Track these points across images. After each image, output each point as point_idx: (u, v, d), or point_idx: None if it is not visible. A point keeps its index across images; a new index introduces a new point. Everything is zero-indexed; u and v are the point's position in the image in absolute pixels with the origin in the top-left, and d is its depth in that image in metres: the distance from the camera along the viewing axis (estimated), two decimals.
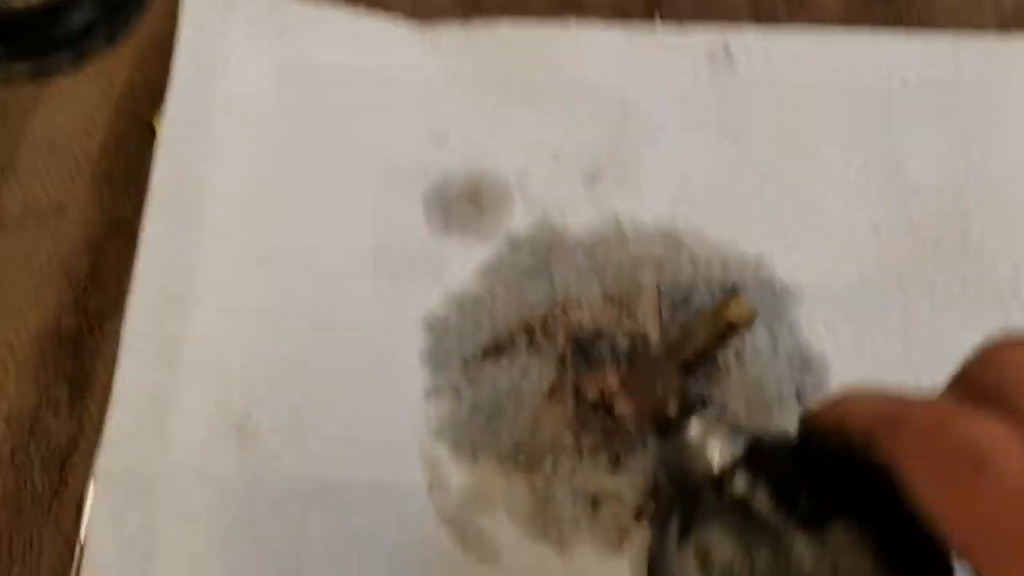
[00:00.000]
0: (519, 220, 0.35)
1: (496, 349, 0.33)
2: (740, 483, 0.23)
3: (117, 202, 0.36)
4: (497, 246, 0.35)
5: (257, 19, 0.38)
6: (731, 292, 0.24)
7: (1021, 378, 0.18)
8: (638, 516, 0.31)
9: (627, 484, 0.31)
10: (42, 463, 0.32)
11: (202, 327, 0.33)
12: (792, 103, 0.38)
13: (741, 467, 0.24)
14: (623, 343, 0.33)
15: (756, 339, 0.33)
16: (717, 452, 0.24)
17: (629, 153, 0.36)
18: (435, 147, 0.37)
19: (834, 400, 0.22)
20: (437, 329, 0.34)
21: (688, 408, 0.25)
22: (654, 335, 0.33)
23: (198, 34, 0.38)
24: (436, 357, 0.33)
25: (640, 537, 0.31)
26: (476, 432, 0.32)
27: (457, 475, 0.32)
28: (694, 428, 0.24)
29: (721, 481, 0.24)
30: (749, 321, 0.24)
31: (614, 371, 0.33)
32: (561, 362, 0.33)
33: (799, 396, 0.33)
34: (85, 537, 0.31)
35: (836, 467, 0.23)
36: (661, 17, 0.40)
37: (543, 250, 0.35)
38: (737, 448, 0.24)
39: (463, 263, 0.34)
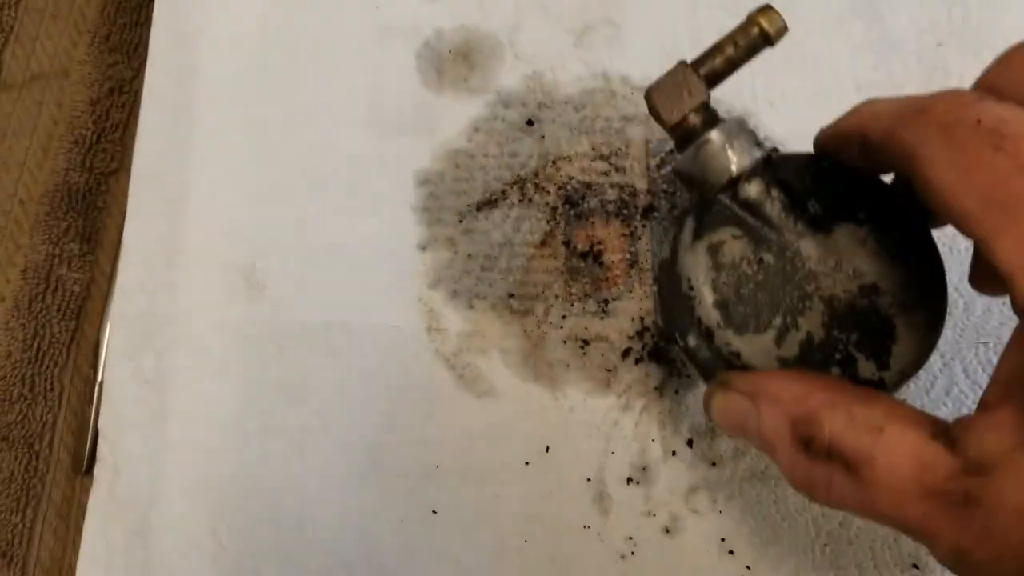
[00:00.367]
0: (510, 77, 0.36)
1: (489, 202, 0.34)
2: (754, 188, 0.25)
3: (118, 64, 0.37)
4: (489, 102, 0.36)
5: None
6: (762, 7, 0.24)
7: None
8: (624, 356, 0.33)
9: (614, 328, 0.33)
10: (59, 311, 0.34)
11: (206, 182, 0.34)
12: None
13: (756, 174, 0.25)
14: (612, 196, 0.34)
15: None
16: (735, 160, 0.25)
17: (616, 8, 0.37)
18: (428, 1, 0.37)
19: (854, 109, 0.23)
20: (431, 183, 0.35)
21: (711, 119, 0.25)
22: (642, 188, 0.34)
23: None
24: (431, 210, 0.34)
25: (626, 375, 0.32)
26: (471, 281, 0.34)
27: (454, 319, 0.33)
28: (715, 137, 0.25)
29: (736, 184, 0.25)
30: (781, 33, 0.24)
31: (603, 223, 0.34)
32: (552, 214, 0.34)
33: None
34: (103, 377, 0.33)
35: (846, 179, 0.25)
36: None
37: (534, 106, 0.36)
38: (755, 158, 0.25)
39: (455, 119, 0.35)
